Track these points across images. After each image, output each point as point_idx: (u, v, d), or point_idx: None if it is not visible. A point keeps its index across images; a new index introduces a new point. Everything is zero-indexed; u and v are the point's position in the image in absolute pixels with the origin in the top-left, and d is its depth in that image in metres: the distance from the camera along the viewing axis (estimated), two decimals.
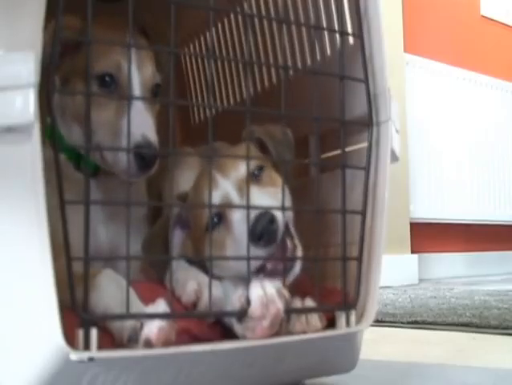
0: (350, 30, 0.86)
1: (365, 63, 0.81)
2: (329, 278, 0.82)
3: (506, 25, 3.68)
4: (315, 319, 0.74)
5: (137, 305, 0.67)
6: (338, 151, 0.88)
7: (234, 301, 0.69)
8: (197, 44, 1.45)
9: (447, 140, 3.22)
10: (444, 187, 3.18)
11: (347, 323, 0.75)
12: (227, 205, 0.79)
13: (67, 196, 0.59)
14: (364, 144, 0.83)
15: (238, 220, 0.76)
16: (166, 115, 0.71)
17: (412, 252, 2.86)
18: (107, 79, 0.84)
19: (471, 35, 3.49)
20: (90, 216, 0.60)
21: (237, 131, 0.88)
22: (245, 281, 0.70)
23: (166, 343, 0.61)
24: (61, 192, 0.58)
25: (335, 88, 0.79)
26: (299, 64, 1.11)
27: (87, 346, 0.58)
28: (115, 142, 0.82)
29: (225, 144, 0.94)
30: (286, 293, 0.70)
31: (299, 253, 0.78)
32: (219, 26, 1.36)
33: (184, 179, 0.95)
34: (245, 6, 1.18)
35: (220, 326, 0.73)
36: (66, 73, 0.86)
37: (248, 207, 0.72)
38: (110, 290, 0.68)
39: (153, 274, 0.84)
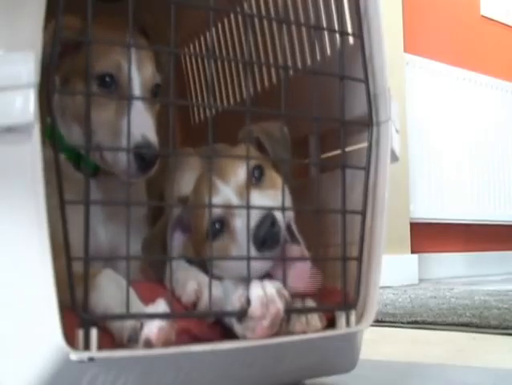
0: (350, 30, 0.86)
1: (365, 63, 0.81)
2: (329, 278, 0.82)
3: (506, 25, 3.68)
4: (315, 319, 0.74)
5: (137, 305, 0.67)
6: (338, 152, 0.88)
7: (234, 301, 0.69)
8: (197, 44, 1.45)
9: (447, 140, 3.22)
10: (444, 187, 3.18)
11: (347, 323, 0.75)
12: (227, 206, 0.79)
13: (67, 196, 0.59)
14: (364, 144, 0.83)
15: (241, 227, 0.76)
16: (166, 116, 0.71)
17: (412, 252, 2.86)
18: (107, 79, 0.84)
19: (471, 35, 3.49)
20: (90, 217, 0.60)
21: (237, 132, 0.88)
22: (245, 281, 0.70)
23: (166, 343, 0.61)
24: (61, 192, 0.58)
25: (335, 88, 0.79)
26: (299, 64, 1.11)
27: (87, 346, 0.58)
28: (115, 142, 0.82)
29: (226, 146, 0.94)
30: (286, 293, 0.70)
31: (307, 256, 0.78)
32: (219, 26, 1.36)
33: (185, 181, 0.94)
34: (245, 6, 1.18)
35: (220, 326, 0.73)
36: (66, 73, 0.86)
37: (248, 207, 0.72)
38: (110, 290, 0.68)
39: (153, 274, 0.84)
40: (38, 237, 0.58)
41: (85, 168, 0.84)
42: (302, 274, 0.76)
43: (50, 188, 0.58)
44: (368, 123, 0.82)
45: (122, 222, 0.86)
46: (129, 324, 0.62)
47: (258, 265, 0.73)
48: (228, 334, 0.71)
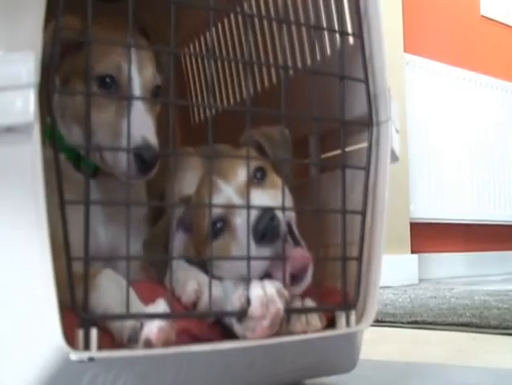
0: (350, 30, 0.86)
1: (365, 63, 0.81)
2: (329, 278, 0.82)
3: (506, 25, 3.69)
4: (315, 319, 0.74)
5: (137, 306, 0.67)
6: (338, 152, 0.88)
7: (234, 301, 0.69)
8: (197, 44, 1.45)
9: (447, 140, 3.22)
10: (444, 187, 3.18)
11: (347, 323, 0.75)
12: (228, 206, 0.79)
13: (67, 196, 0.59)
14: (364, 144, 0.83)
15: (241, 223, 0.76)
16: (166, 116, 0.71)
17: (412, 252, 2.86)
18: (107, 80, 0.84)
19: (471, 35, 3.49)
20: (90, 217, 0.60)
21: (237, 132, 0.88)
22: (245, 281, 0.70)
23: (166, 343, 0.61)
24: (61, 192, 0.58)
25: (335, 88, 0.79)
26: (299, 64, 1.11)
27: (87, 346, 0.58)
28: (115, 144, 0.82)
29: (228, 147, 0.94)
30: (286, 293, 0.70)
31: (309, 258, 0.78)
32: (219, 26, 1.36)
33: (187, 181, 0.95)
34: (245, 6, 1.18)
35: (220, 326, 0.73)
36: (66, 73, 0.86)
37: (248, 207, 0.72)
38: (110, 290, 0.68)
39: (154, 274, 0.84)
40: (38, 237, 0.58)
41: (85, 168, 0.84)
42: (302, 262, 0.76)
43: (50, 189, 0.58)
44: (368, 123, 0.82)
45: (122, 222, 0.86)
46: (129, 324, 0.62)
47: (258, 261, 0.74)
48: (228, 334, 0.71)
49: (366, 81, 0.81)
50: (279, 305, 0.68)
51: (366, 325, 0.76)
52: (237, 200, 0.80)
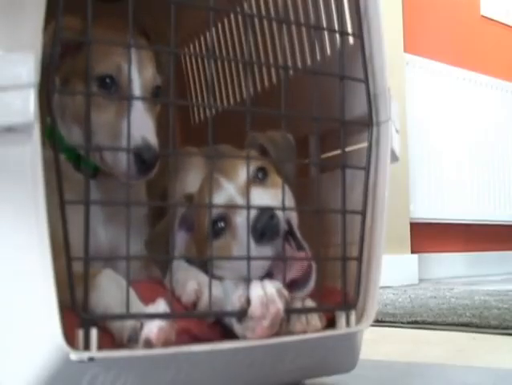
0: (350, 30, 0.86)
1: (365, 63, 0.81)
2: (329, 278, 0.82)
3: (506, 25, 3.69)
4: (315, 319, 0.74)
5: (137, 305, 0.67)
6: (338, 152, 0.88)
7: (234, 301, 0.69)
8: (197, 44, 1.45)
9: (447, 140, 3.22)
10: (444, 187, 3.18)
11: (347, 323, 0.75)
12: (228, 205, 0.79)
13: (67, 196, 0.59)
14: (364, 144, 0.83)
15: (241, 222, 0.76)
16: (166, 116, 0.71)
17: (412, 252, 2.86)
18: (107, 80, 0.84)
19: (471, 35, 3.49)
20: (90, 217, 0.60)
21: (237, 132, 0.88)
22: (245, 281, 0.70)
23: (166, 343, 0.61)
24: (61, 192, 0.58)
25: (335, 88, 0.79)
26: (299, 64, 1.11)
27: (87, 346, 0.58)
28: (115, 144, 0.82)
29: (230, 147, 0.94)
30: (286, 293, 0.70)
31: (313, 265, 0.78)
32: (219, 26, 1.36)
33: (190, 180, 0.95)
34: (245, 6, 1.19)
35: (220, 326, 0.73)
36: (66, 74, 0.86)
37: (248, 207, 0.72)
38: (110, 290, 0.68)
39: (156, 271, 0.84)
40: (38, 237, 0.58)
41: (85, 168, 0.84)
42: (305, 268, 0.76)
43: (50, 189, 0.58)
44: (368, 123, 0.82)
45: (122, 222, 0.86)
46: (129, 324, 0.62)
47: (259, 261, 0.74)
48: (228, 334, 0.71)
49: (366, 81, 0.81)
50: (279, 305, 0.68)
51: (366, 325, 0.76)
52: (238, 198, 0.80)
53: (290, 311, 0.71)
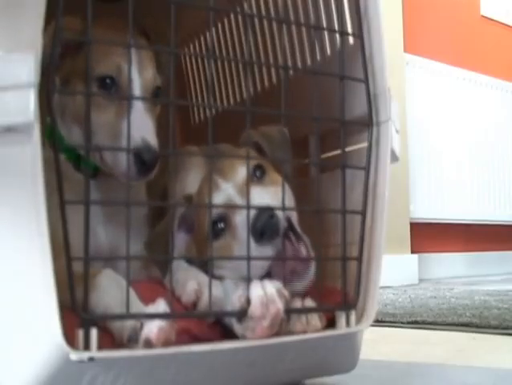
0: (350, 30, 0.86)
1: (365, 63, 0.81)
2: (329, 278, 0.82)
3: (506, 25, 3.68)
4: (315, 319, 0.74)
5: (137, 305, 0.67)
6: (338, 152, 0.88)
7: (234, 301, 0.69)
8: (197, 44, 1.45)
9: (447, 140, 3.22)
10: (444, 187, 3.18)
11: (347, 323, 0.75)
12: (227, 205, 0.79)
13: (67, 196, 0.59)
14: (364, 144, 0.83)
15: (241, 221, 0.76)
16: (166, 116, 0.71)
17: (412, 252, 2.86)
18: (107, 80, 0.84)
19: (471, 35, 3.49)
20: (90, 217, 0.60)
21: (237, 131, 0.88)
22: (245, 280, 0.70)
23: (166, 343, 0.61)
24: (61, 192, 0.58)
25: (335, 88, 0.79)
26: (299, 64, 1.11)
27: (87, 346, 0.58)
28: (115, 144, 0.82)
29: (230, 146, 0.94)
30: (286, 293, 0.70)
31: (312, 254, 0.78)
32: (219, 26, 1.36)
33: (190, 180, 0.95)
34: (245, 6, 1.19)
35: (220, 326, 0.73)
36: (66, 74, 0.86)
37: (248, 207, 0.72)
38: (110, 290, 0.68)
39: (156, 271, 0.84)
40: (38, 237, 0.58)
41: (85, 168, 0.84)
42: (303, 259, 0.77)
43: (50, 189, 0.58)
44: (368, 123, 0.82)
45: (122, 222, 0.86)
46: (129, 324, 0.62)
47: (260, 260, 0.74)
48: (228, 334, 0.71)
49: (366, 81, 0.81)
50: (279, 305, 0.68)
51: (366, 325, 0.76)
52: (237, 198, 0.80)
53: (290, 311, 0.71)
